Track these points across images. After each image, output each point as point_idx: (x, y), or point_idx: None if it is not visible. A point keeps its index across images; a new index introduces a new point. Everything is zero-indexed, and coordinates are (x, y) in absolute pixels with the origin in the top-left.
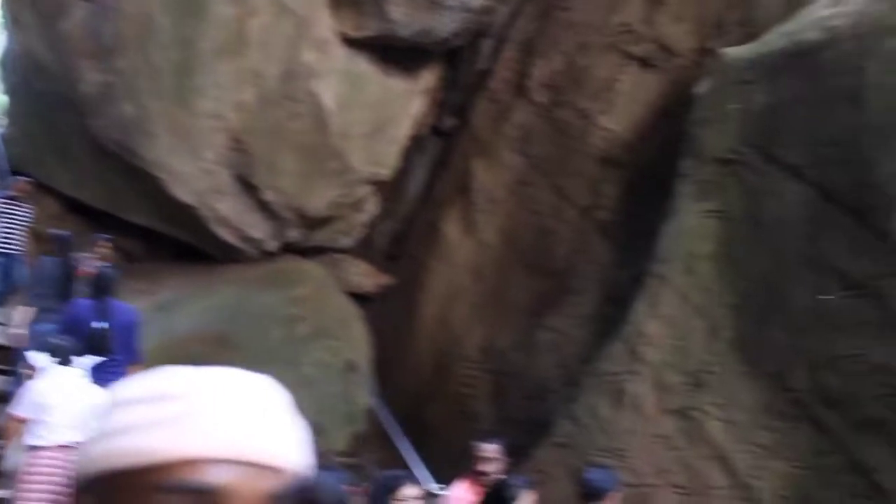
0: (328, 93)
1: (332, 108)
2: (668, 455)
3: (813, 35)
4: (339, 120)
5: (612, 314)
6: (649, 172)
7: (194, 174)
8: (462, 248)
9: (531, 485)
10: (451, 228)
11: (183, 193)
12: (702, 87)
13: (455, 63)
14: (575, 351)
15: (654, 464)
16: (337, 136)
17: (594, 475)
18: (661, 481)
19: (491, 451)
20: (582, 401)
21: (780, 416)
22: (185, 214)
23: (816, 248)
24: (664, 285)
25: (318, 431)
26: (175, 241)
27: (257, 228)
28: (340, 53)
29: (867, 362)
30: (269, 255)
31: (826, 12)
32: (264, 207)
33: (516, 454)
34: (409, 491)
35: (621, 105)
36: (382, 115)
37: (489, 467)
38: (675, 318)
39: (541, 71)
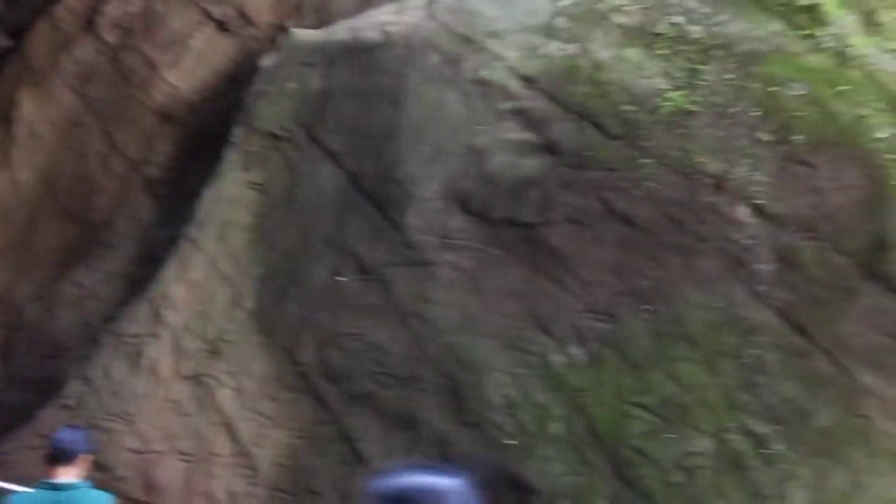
0: None
1: None
2: (178, 421)
3: (371, 35)
4: None
5: (145, 274)
6: (206, 136)
7: None
8: None
9: None
10: None
11: None
12: (267, 61)
13: None
14: (100, 309)
15: (162, 429)
16: None
17: (63, 436)
18: (168, 447)
19: None
20: (97, 361)
21: (287, 387)
22: None
23: (341, 231)
24: (196, 250)
25: None
26: None
27: None
28: None
29: (366, 341)
30: None
31: (387, 17)
32: None
33: (23, 415)
34: None
35: (190, 63)
36: None
37: None
38: (201, 283)
39: (114, 9)
